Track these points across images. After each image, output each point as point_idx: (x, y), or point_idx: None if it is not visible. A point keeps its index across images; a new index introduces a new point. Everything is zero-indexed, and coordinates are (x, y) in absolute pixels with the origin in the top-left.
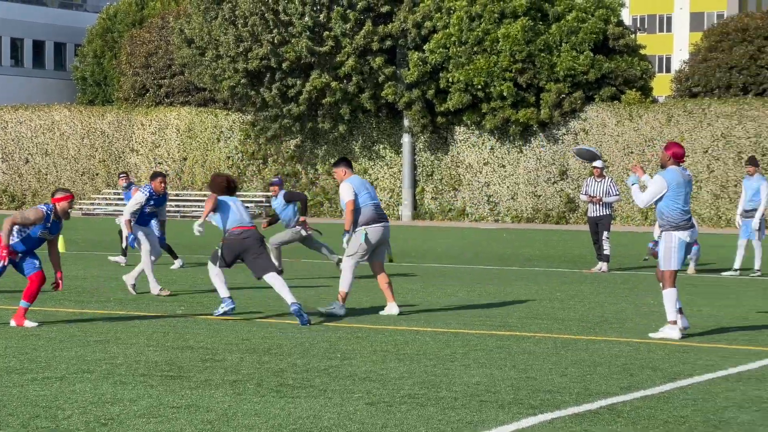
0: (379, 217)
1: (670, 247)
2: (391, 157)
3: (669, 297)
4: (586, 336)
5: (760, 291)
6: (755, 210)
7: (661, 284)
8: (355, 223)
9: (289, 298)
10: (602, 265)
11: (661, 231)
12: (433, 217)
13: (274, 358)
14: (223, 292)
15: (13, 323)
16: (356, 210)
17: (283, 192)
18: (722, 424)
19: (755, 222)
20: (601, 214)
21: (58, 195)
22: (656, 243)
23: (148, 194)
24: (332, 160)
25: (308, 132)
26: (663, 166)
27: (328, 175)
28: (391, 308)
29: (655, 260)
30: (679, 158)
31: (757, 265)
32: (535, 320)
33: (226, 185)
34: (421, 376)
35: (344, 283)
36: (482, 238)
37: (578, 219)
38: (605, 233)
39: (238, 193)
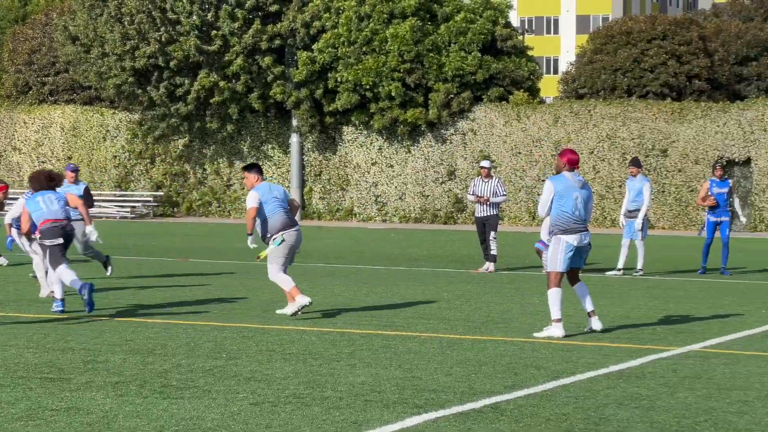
0: (291, 222)
1: (557, 249)
2: (279, 156)
3: (553, 297)
4: (472, 336)
5: (642, 290)
6: (638, 210)
7: (547, 284)
8: (255, 230)
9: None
10: (489, 265)
11: (551, 234)
12: (321, 217)
13: (158, 359)
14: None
15: None
16: (264, 219)
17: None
18: (602, 420)
19: (638, 222)
20: (489, 214)
21: None
22: (543, 243)
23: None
24: (221, 161)
25: (196, 131)
26: (558, 172)
27: (216, 175)
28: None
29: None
30: (573, 164)
31: (639, 265)
32: (421, 320)
33: (47, 179)
34: (306, 375)
35: (286, 284)
36: (370, 238)
37: (466, 219)
38: (492, 233)
39: (127, 192)
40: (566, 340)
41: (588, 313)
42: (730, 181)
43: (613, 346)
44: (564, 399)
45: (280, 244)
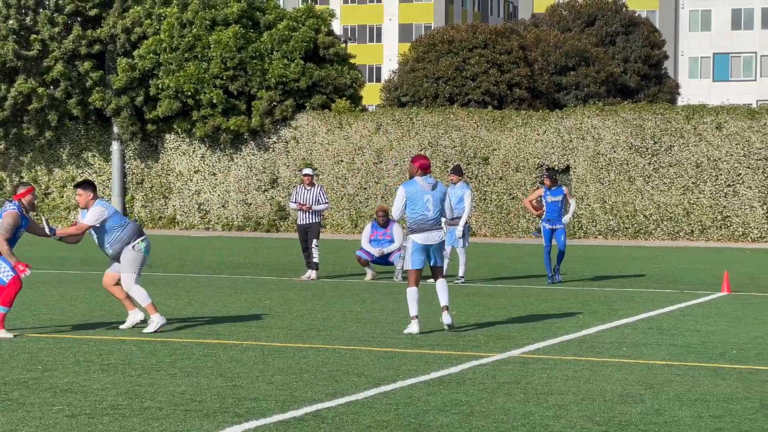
0: (141, 233)
1: (409, 250)
2: (100, 164)
3: (409, 295)
4: (294, 344)
5: (464, 297)
6: (459, 218)
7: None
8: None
9: None
10: (311, 273)
11: (407, 233)
12: (143, 225)
13: None
14: None
15: None
16: (114, 230)
17: None
18: (422, 427)
19: (459, 230)
20: (311, 222)
21: (21, 190)
22: (364, 251)
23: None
24: (39, 168)
25: (13, 138)
26: (411, 177)
27: (34, 183)
28: (135, 315)
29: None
30: (425, 169)
31: (461, 272)
32: (243, 328)
33: None
34: (125, 386)
35: (142, 299)
36: (192, 246)
37: (288, 227)
38: (315, 241)
39: None
40: (388, 347)
41: (441, 306)
42: (564, 188)
43: (435, 353)
44: (385, 406)
45: (146, 250)
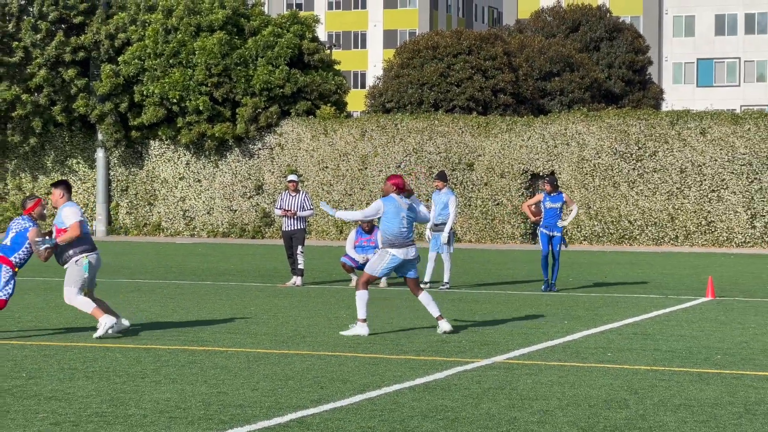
0: (93, 246)
1: (381, 259)
2: (84, 171)
3: (363, 297)
4: (279, 350)
5: (448, 303)
6: (444, 224)
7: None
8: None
9: None
10: (296, 279)
11: (382, 245)
12: (128, 232)
13: None
14: None
15: None
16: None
17: None
18: None
19: (444, 236)
20: (296, 228)
21: (29, 204)
22: (349, 257)
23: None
24: (23, 175)
25: None
26: (386, 195)
27: (18, 190)
28: (124, 321)
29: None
30: (400, 188)
31: (446, 278)
32: (228, 335)
33: None
34: (109, 393)
35: (85, 306)
36: (177, 253)
37: (274, 233)
38: (300, 247)
39: None
40: (373, 353)
41: (435, 317)
42: (564, 194)
43: (420, 359)
44: (370, 412)
45: (87, 269)
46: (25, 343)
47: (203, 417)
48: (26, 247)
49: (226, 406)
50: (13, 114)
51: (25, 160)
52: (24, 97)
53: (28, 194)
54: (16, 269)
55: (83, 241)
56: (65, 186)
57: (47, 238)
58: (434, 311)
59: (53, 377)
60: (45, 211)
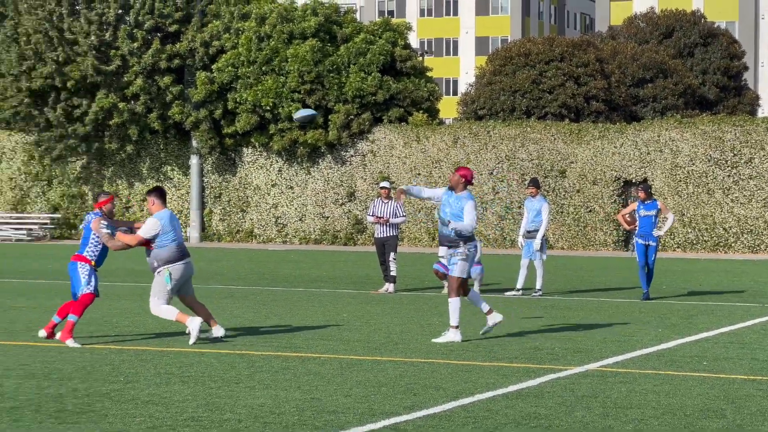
0: (181, 255)
1: (466, 256)
2: (179, 178)
3: (454, 304)
4: (371, 356)
5: (541, 310)
6: (537, 231)
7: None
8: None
9: None
10: (389, 286)
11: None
12: (221, 239)
13: (54, 383)
14: None
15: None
16: (159, 247)
17: None
18: None
19: (537, 243)
20: (388, 235)
21: (102, 198)
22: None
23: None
24: (120, 182)
25: (95, 152)
26: (452, 189)
27: (115, 197)
28: (217, 331)
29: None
30: (468, 180)
31: (538, 285)
32: (321, 341)
33: None
34: (205, 398)
35: (170, 314)
36: (270, 260)
37: (366, 240)
38: (392, 254)
39: (23, 214)
40: (465, 360)
41: (485, 312)
42: (658, 201)
43: (512, 366)
44: (463, 419)
45: (169, 281)
46: (122, 348)
47: (297, 423)
48: (94, 239)
49: (319, 412)
50: (110, 122)
51: (122, 167)
52: (121, 105)
53: (103, 190)
54: (93, 263)
55: (170, 251)
56: (157, 194)
57: (107, 224)
58: (484, 307)
59: (150, 381)
60: (115, 209)
